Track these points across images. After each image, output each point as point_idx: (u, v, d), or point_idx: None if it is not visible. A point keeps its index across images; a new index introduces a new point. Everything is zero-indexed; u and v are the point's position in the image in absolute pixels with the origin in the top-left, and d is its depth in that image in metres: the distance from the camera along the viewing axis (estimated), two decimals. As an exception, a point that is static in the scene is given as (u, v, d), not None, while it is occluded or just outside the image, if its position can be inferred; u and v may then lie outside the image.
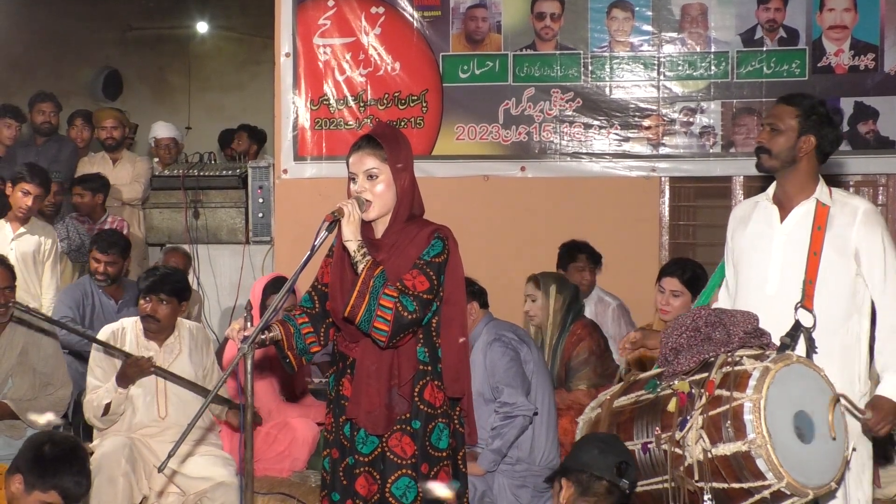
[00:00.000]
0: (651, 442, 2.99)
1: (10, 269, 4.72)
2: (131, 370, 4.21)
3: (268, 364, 4.34)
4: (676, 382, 2.98)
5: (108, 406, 4.25)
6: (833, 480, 2.86)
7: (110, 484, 4.10)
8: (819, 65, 6.01)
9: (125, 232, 6.34)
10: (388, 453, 3.10)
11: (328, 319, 3.24)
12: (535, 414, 4.37)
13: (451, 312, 3.19)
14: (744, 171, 6.14)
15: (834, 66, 6.00)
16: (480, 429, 4.38)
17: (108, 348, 4.32)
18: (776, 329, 3.10)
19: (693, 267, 4.52)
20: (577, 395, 4.74)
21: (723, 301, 3.52)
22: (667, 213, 6.27)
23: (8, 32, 8.91)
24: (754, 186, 6.19)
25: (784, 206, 3.31)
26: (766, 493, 2.77)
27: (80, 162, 6.87)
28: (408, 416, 3.11)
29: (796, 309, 3.15)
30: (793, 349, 3.09)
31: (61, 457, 3.28)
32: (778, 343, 3.09)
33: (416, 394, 3.12)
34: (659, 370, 3.15)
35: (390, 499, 3.09)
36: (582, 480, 2.85)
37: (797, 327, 3.14)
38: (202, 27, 11.71)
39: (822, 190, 3.27)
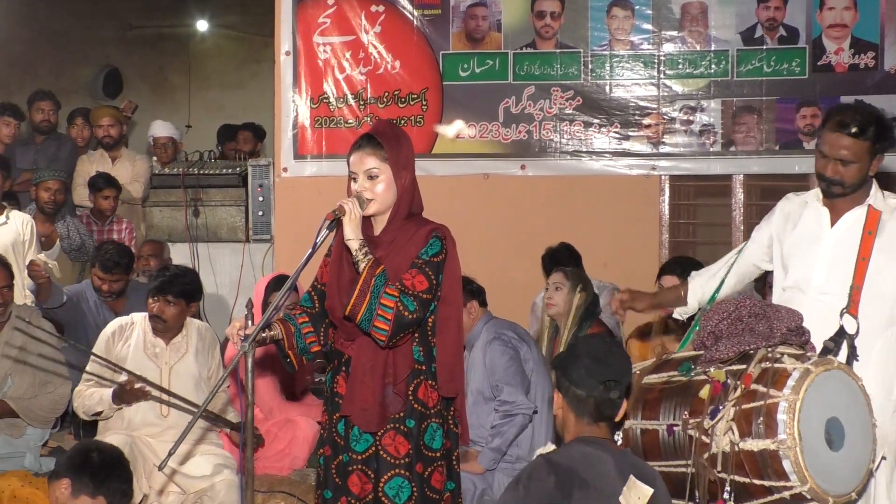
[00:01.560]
0: (677, 425, 2.97)
1: (7, 268, 4.71)
2: (128, 396, 4.22)
3: (269, 362, 4.34)
4: (713, 370, 2.96)
5: (99, 413, 4.30)
6: (854, 491, 2.84)
7: (109, 482, 4.10)
8: (819, 63, 6.02)
9: (133, 235, 6.34)
10: (381, 452, 3.11)
11: (327, 319, 3.25)
12: (535, 412, 4.37)
13: (448, 312, 3.19)
14: (744, 169, 6.15)
15: (834, 64, 6.01)
16: (480, 427, 4.40)
17: (110, 364, 4.30)
18: (816, 330, 3.05)
19: (693, 265, 4.51)
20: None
21: (738, 265, 3.49)
22: (667, 212, 6.27)
23: (8, 30, 8.92)
24: (754, 185, 6.20)
25: (836, 208, 3.25)
26: (786, 493, 2.76)
27: (79, 160, 6.86)
28: (402, 414, 3.12)
29: (841, 315, 3.10)
30: (835, 355, 3.04)
31: (109, 464, 3.34)
32: (816, 344, 3.05)
33: (409, 392, 3.13)
34: (694, 353, 3.13)
35: (383, 498, 3.09)
36: (571, 396, 2.84)
37: (841, 333, 3.09)
38: (202, 26, 11.70)
39: (875, 194, 3.22)
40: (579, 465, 2.72)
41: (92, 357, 4.36)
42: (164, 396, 4.27)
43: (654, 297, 3.75)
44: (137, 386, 4.19)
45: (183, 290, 4.37)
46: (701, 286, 3.59)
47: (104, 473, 3.31)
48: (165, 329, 4.38)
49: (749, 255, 3.51)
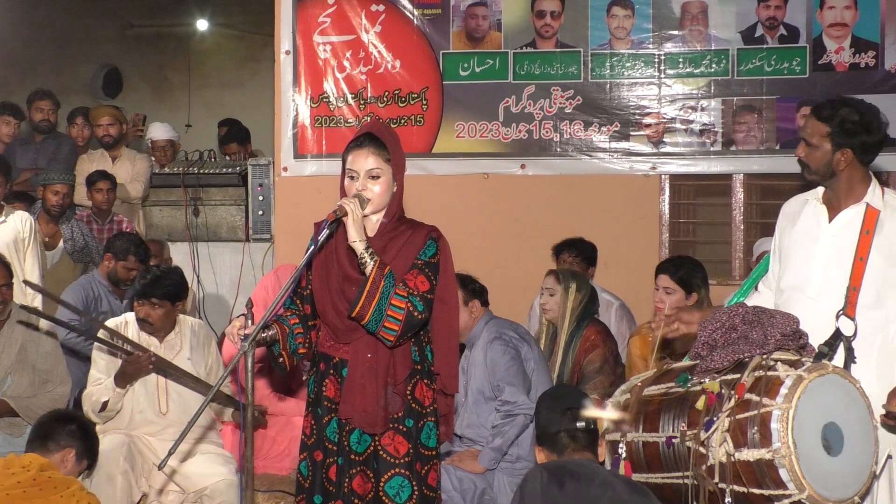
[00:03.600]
0: (676, 437, 2.97)
1: (7, 267, 4.71)
2: (131, 368, 4.20)
3: (263, 364, 4.34)
4: (707, 381, 2.94)
5: (105, 403, 4.26)
6: (857, 494, 2.82)
7: (109, 482, 4.09)
8: (820, 62, 6.01)
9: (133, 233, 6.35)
10: (381, 452, 3.12)
11: (309, 322, 3.24)
12: (536, 412, 4.37)
13: (445, 311, 3.22)
14: (744, 168, 6.14)
15: (834, 63, 6.00)
16: (481, 426, 4.41)
17: (110, 345, 4.31)
18: (814, 332, 3.02)
19: (689, 265, 4.49)
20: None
21: (762, 295, 3.44)
22: (667, 211, 6.27)
23: (8, 29, 8.91)
24: (755, 184, 6.20)
25: (833, 206, 3.22)
26: (785, 502, 2.75)
27: (80, 160, 6.85)
28: (401, 414, 3.13)
29: (837, 317, 3.08)
30: (830, 359, 3.01)
31: (93, 433, 3.77)
32: (816, 347, 3.02)
33: (408, 392, 3.15)
34: (691, 363, 3.12)
35: (384, 498, 3.10)
36: (547, 442, 2.98)
37: (837, 336, 3.06)
38: (202, 25, 11.69)
39: (873, 193, 3.18)
40: (570, 464, 2.88)
41: (98, 338, 4.37)
42: (162, 383, 4.31)
43: (704, 312, 3.47)
44: (141, 356, 4.20)
45: (166, 291, 4.35)
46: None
47: (91, 440, 3.73)
48: (153, 331, 4.38)
49: (775, 260, 3.45)
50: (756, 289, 3.52)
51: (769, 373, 2.84)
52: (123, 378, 4.23)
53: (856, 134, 3.13)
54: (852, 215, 3.18)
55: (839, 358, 3.05)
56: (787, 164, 6.00)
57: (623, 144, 6.20)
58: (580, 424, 2.96)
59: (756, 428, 2.76)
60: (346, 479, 3.14)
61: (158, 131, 7.29)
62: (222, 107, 10.94)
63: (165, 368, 4.28)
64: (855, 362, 3.05)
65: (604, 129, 6.21)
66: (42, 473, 3.41)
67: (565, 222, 6.01)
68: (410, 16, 6.35)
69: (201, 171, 6.90)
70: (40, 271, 5.64)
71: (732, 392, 2.85)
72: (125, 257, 5.43)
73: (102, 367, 4.36)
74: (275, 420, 4.66)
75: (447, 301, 3.21)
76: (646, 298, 5.40)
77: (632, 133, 6.19)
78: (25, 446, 3.88)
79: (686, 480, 2.93)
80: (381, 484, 3.10)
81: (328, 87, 6.40)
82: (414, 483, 3.11)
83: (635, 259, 6.04)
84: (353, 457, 3.13)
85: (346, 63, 6.38)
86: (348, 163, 3.16)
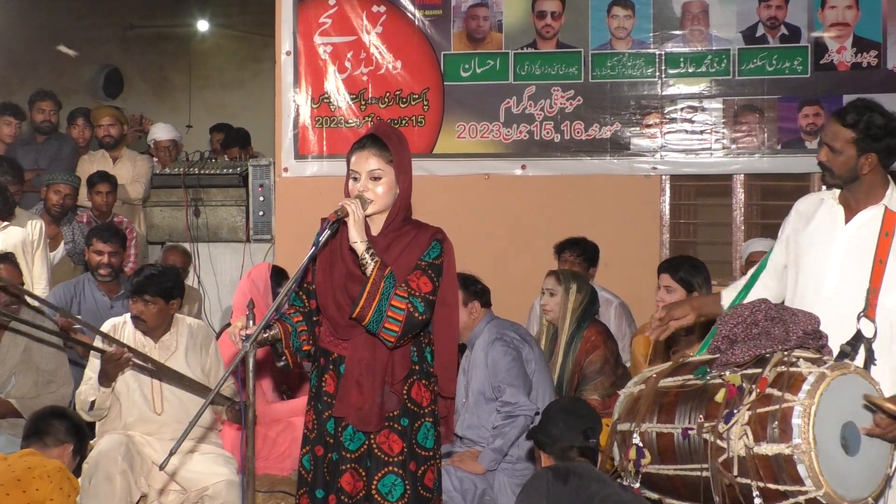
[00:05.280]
0: (692, 429, 2.95)
1: (19, 267, 4.75)
2: (108, 366, 4.20)
3: (259, 367, 4.33)
4: (728, 374, 2.94)
5: (92, 402, 4.27)
6: (871, 496, 2.82)
7: (108, 482, 4.07)
8: (821, 62, 6.01)
9: (133, 234, 6.35)
10: (375, 450, 3.12)
11: (314, 318, 3.25)
12: (537, 413, 4.36)
13: (446, 313, 3.23)
14: (745, 168, 6.14)
15: (836, 63, 6.00)
16: (481, 427, 4.41)
17: (98, 349, 4.30)
18: (829, 332, 3.01)
19: (690, 265, 4.48)
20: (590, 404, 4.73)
21: (763, 290, 3.42)
22: (667, 211, 6.26)
23: (9, 30, 8.91)
24: (755, 185, 6.20)
25: (850, 207, 3.22)
26: (801, 498, 2.73)
27: (81, 160, 6.86)
28: (396, 413, 3.13)
29: (859, 318, 3.07)
30: (852, 359, 3.01)
31: (85, 428, 4.00)
32: (834, 348, 3.01)
33: (405, 392, 3.15)
34: (709, 356, 3.12)
35: (376, 496, 3.10)
36: (556, 452, 3.30)
37: (858, 337, 3.05)
38: (203, 25, 11.70)
39: (892, 195, 3.18)
40: (573, 465, 3.20)
41: (94, 342, 4.37)
42: (156, 380, 4.33)
43: (692, 302, 3.63)
44: (114, 352, 4.18)
45: (159, 289, 4.33)
46: (736, 292, 3.54)
47: (84, 438, 3.97)
48: (147, 329, 4.38)
49: (777, 257, 3.44)
50: (756, 285, 3.52)
51: (791, 368, 2.83)
52: (106, 377, 4.23)
53: (882, 138, 3.13)
54: (870, 216, 3.17)
55: (859, 359, 3.04)
56: (789, 164, 6.02)
57: (624, 144, 6.20)
58: (592, 443, 3.27)
59: (776, 423, 2.75)
60: (338, 475, 3.14)
61: (162, 132, 7.29)
62: (223, 107, 10.95)
63: (144, 364, 4.26)
64: (875, 364, 3.04)
65: (604, 129, 6.21)
66: (20, 460, 3.54)
67: (566, 223, 6.01)
68: (411, 17, 6.35)
69: (202, 172, 6.90)
70: (48, 275, 5.66)
71: (754, 386, 2.83)
72: (90, 243, 5.48)
73: (96, 366, 4.35)
74: (275, 422, 4.67)
75: (449, 303, 3.22)
76: (646, 299, 5.40)
77: (632, 133, 6.19)
78: (21, 442, 3.90)
79: (700, 473, 2.92)
80: (375, 482, 3.10)
81: (329, 87, 6.40)
82: (406, 482, 3.11)
83: (635, 259, 6.04)
84: (344, 453, 3.14)
85: (347, 64, 6.38)
86: (351, 163, 3.17)
